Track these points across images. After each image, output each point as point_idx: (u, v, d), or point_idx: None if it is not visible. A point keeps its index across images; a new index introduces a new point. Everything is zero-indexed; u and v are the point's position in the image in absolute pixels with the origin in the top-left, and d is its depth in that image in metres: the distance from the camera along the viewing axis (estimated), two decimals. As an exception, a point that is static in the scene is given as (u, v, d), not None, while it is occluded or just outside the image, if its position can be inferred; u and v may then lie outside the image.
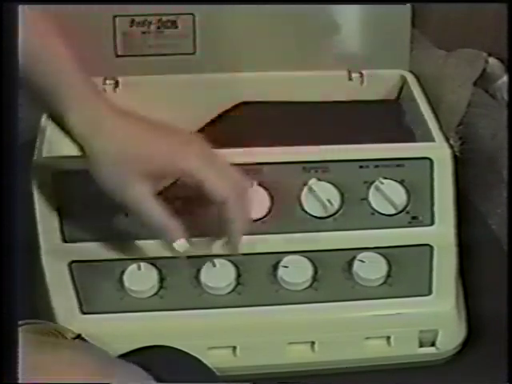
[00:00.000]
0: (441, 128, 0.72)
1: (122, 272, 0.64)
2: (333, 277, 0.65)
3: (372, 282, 0.65)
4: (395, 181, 0.67)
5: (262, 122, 0.77)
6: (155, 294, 0.64)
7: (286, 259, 0.65)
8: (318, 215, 0.66)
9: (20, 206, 0.49)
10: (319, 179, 0.67)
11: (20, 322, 0.49)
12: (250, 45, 0.78)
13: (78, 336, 0.58)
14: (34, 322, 0.56)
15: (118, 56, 0.77)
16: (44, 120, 0.68)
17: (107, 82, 0.77)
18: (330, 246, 0.66)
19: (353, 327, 0.65)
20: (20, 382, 0.42)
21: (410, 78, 0.80)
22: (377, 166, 0.68)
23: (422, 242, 0.67)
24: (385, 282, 0.65)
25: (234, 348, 0.64)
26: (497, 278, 0.68)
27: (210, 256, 0.64)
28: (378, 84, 0.80)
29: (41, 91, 0.56)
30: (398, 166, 0.68)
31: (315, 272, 0.65)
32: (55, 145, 0.67)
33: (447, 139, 0.72)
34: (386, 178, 0.67)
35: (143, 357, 0.54)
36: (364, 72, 0.80)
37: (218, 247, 0.64)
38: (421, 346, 0.66)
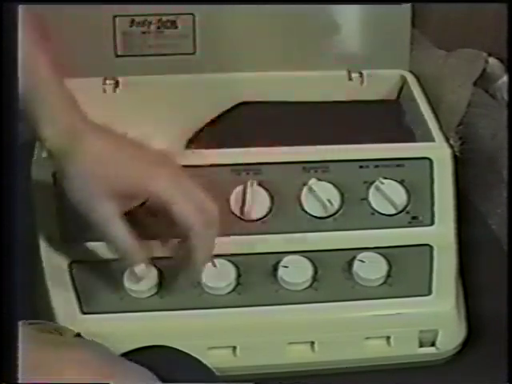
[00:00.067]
0: (441, 128, 0.72)
1: (122, 272, 0.64)
2: (333, 277, 0.65)
3: (372, 282, 0.65)
4: (395, 181, 0.67)
5: (262, 121, 0.76)
6: (155, 293, 0.64)
7: (286, 259, 0.65)
8: (318, 215, 0.66)
9: (20, 205, 0.49)
10: (319, 179, 0.67)
11: (20, 322, 0.49)
12: (250, 45, 0.78)
13: (78, 335, 0.58)
14: (34, 322, 0.56)
15: (117, 56, 0.77)
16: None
17: (107, 82, 0.77)
18: (330, 245, 0.66)
19: (353, 327, 0.65)
20: (20, 381, 0.42)
21: (410, 78, 0.80)
22: (377, 166, 0.68)
23: (421, 242, 0.67)
24: (385, 282, 0.65)
25: (234, 348, 0.64)
26: (497, 278, 0.68)
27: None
28: (377, 84, 0.80)
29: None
30: (397, 166, 0.68)
31: (315, 272, 0.65)
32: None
33: (447, 139, 0.72)
34: (386, 178, 0.67)
35: (143, 357, 0.54)
36: (364, 72, 0.80)
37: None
38: (421, 346, 0.66)
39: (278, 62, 0.78)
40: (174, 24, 0.76)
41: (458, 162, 0.70)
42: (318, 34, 0.79)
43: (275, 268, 0.65)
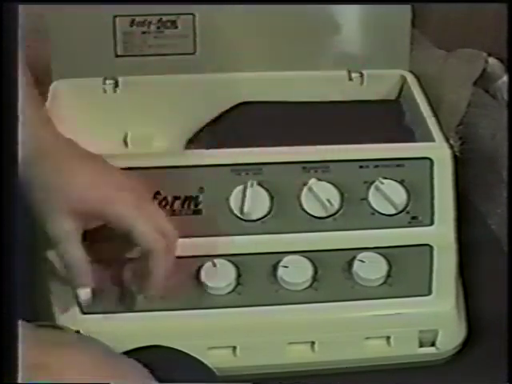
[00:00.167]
0: (441, 128, 0.72)
1: (122, 272, 0.63)
2: (333, 277, 0.65)
3: (372, 282, 0.65)
4: (395, 181, 0.67)
5: (261, 121, 0.76)
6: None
7: (286, 259, 0.65)
8: (318, 215, 0.66)
9: (20, 206, 0.49)
10: (319, 179, 0.67)
11: (20, 323, 0.49)
12: (250, 45, 0.78)
13: (77, 332, 0.58)
14: (33, 323, 0.56)
15: (117, 56, 0.77)
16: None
17: (107, 81, 0.77)
18: (329, 245, 0.66)
19: (353, 327, 0.65)
20: (20, 381, 0.42)
21: (410, 78, 0.80)
22: (377, 166, 0.68)
23: (421, 242, 0.67)
24: (385, 282, 0.65)
25: (234, 348, 0.64)
26: (497, 278, 0.68)
27: (210, 256, 0.64)
28: (377, 84, 0.80)
29: None
30: (397, 165, 0.68)
31: (315, 272, 0.65)
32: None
33: (447, 139, 0.72)
34: (386, 178, 0.67)
35: (143, 357, 0.54)
36: (364, 72, 0.80)
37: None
38: (421, 346, 0.66)
39: (278, 62, 0.78)
40: (174, 24, 0.76)
41: (458, 162, 0.70)
42: (318, 34, 0.79)
43: (275, 268, 0.65)
